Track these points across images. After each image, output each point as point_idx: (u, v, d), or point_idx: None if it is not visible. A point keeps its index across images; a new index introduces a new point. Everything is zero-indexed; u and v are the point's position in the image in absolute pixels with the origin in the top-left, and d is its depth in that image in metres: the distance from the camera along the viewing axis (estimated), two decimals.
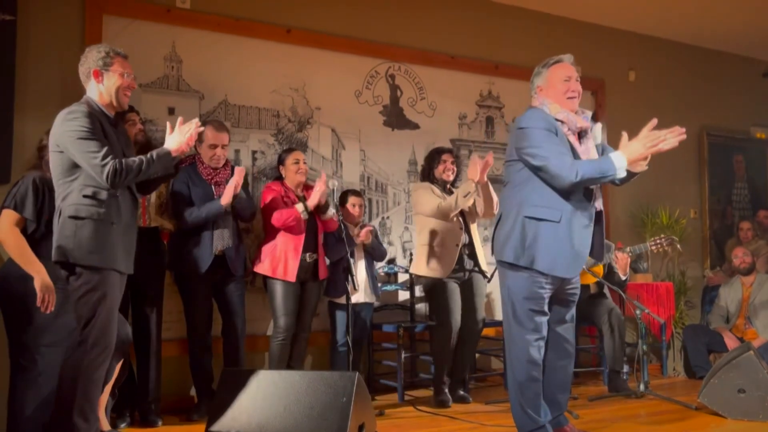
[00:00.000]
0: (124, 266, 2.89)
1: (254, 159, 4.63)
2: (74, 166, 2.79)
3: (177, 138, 2.93)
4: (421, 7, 5.34)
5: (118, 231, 2.83)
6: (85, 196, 2.77)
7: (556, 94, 3.07)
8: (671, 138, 2.86)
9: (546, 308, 3.06)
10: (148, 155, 2.86)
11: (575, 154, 3.00)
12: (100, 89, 2.90)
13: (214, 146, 3.95)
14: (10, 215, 3.09)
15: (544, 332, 3.06)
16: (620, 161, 2.88)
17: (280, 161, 4.30)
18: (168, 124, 3.01)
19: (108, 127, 2.87)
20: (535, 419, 3.01)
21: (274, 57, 4.72)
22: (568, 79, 3.08)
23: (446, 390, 4.24)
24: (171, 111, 4.34)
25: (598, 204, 3.11)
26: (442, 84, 5.40)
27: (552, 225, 2.96)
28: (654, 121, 2.90)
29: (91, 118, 2.78)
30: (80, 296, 2.76)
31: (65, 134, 2.76)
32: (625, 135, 2.97)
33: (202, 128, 3.06)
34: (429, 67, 5.33)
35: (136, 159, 2.83)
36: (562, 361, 3.18)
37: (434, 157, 4.45)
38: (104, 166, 2.73)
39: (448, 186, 4.43)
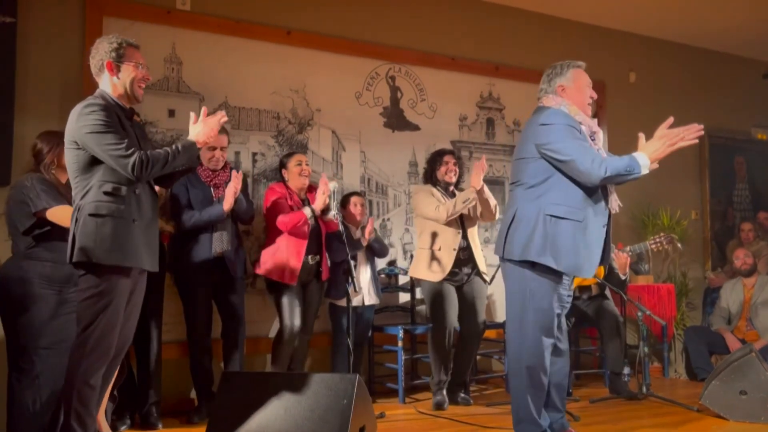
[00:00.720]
0: (148, 264, 2.80)
1: (254, 161, 4.62)
2: (92, 163, 2.70)
3: (201, 128, 2.85)
4: (422, 9, 5.33)
5: (139, 228, 2.74)
6: (105, 193, 2.68)
7: (580, 98, 3.08)
8: (689, 135, 2.83)
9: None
10: (173, 146, 2.79)
11: None
12: (114, 81, 2.80)
13: (213, 148, 3.93)
14: (62, 209, 3.02)
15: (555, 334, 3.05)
16: (644, 159, 2.85)
17: (282, 165, 4.29)
18: (192, 115, 2.92)
19: (125, 120, 2.80)
20: (537, 423, 2.99)
21: (275, 58, 4.72)
22: (589, 85, 3.12)
23: (443, 391, 4.22)
24: (171, 113, 4.34)
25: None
26: (443, 85, 5.39)
27: (575, 224, 2.91)
28: (670, 119, 2.86)
29: (108, 111, 2.70)
30: (84, 298, 2.68)
31: (83, 129, 2.66)
32: (642, 136, 2.95)
33: (226, 120, 2.96)
34: (429, 68, 5.33)
35: (161, 150, 2.75)
36: (557, 363, 3.14)
37: (436, 158, 4.44)
38: (129, 157, 2.65)
39: (451, 188, 4.42)
